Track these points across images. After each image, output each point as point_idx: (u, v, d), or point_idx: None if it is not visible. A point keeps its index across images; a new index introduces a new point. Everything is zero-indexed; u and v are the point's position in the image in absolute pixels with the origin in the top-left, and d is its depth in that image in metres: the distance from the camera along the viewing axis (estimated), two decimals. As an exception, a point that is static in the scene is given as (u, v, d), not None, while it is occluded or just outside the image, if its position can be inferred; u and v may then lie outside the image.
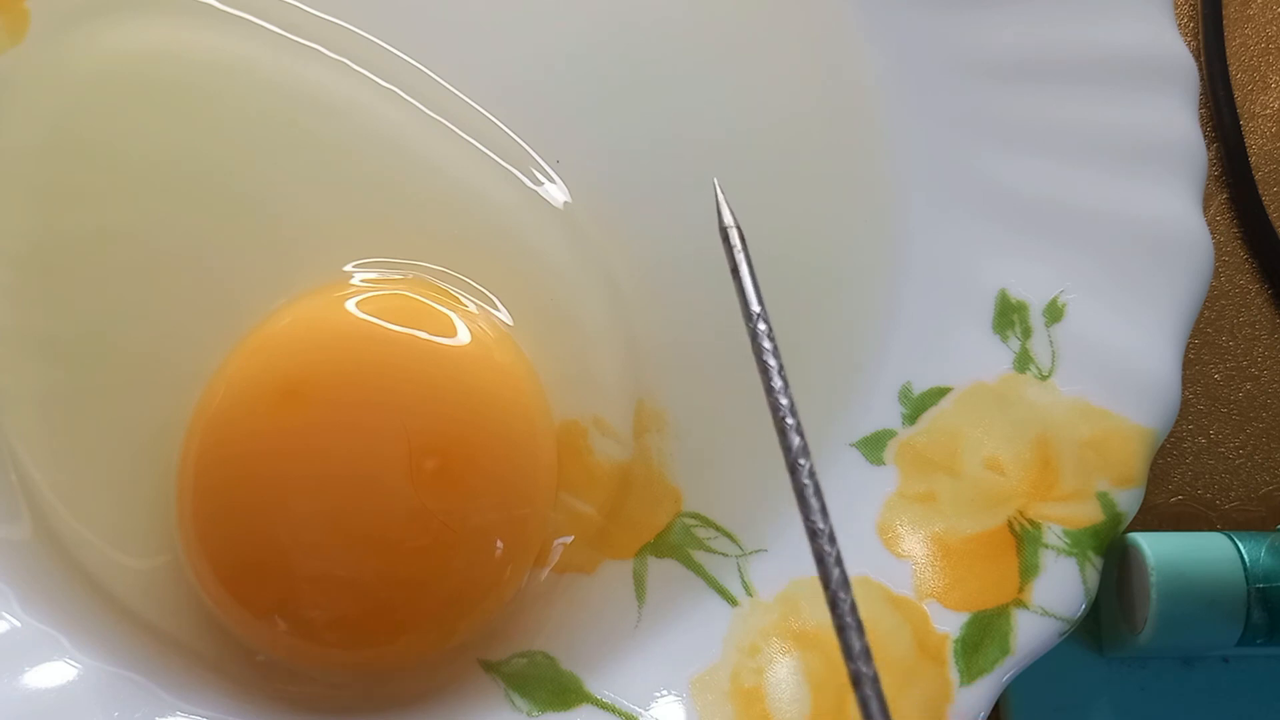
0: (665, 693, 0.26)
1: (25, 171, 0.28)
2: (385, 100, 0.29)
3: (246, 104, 0.29)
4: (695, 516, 0.28)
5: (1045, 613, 0.26)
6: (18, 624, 0.26)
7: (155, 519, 0.27)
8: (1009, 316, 0.29)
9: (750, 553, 0.28)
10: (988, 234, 0.30)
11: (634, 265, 0.29)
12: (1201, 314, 0.30)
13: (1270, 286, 0.32)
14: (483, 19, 0.30)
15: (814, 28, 0.31)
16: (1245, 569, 0.26)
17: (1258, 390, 0.31)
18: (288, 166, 0.29)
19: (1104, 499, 0.27)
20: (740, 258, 0.23)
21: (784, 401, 0.21)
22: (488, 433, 0.26)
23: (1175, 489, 0.31)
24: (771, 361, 0.21)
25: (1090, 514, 0.27)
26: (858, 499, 0.28)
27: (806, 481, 0.20)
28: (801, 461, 0.20)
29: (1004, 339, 0.29)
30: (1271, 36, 0.34)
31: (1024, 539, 0.27)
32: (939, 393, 0.29)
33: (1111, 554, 0.27)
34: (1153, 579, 0.26)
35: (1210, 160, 0.31)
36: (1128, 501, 0.27)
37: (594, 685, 0.26)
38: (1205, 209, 0.30)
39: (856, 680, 0.18)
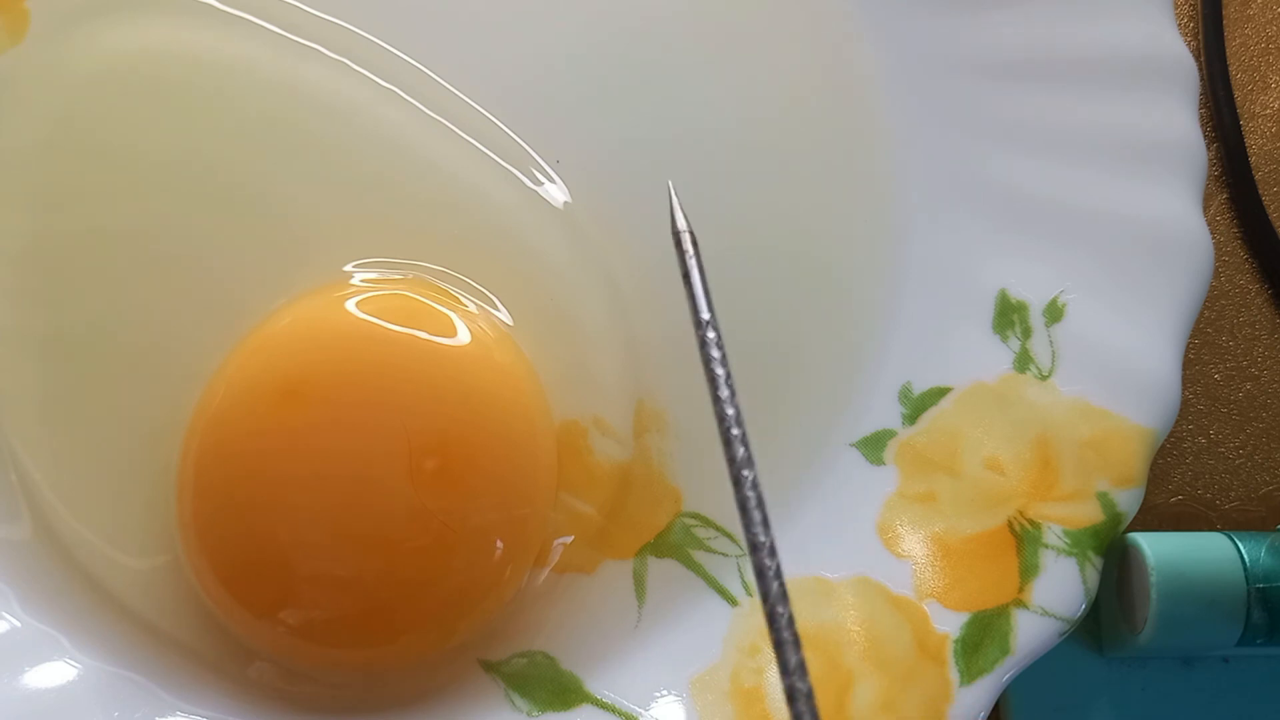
0: (665, 693, 0.26)
1: (25, 171, 0.28)
2: (385, 100, 0.29)
3: (246, 104, 0.29)
4: (695, 516, 0.28)
5: (1045, 613, 0.26)
6: (18, 624, 0.26)
7: (155, 519, 0.27)
8: (1009, 316, 0.29)
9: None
10: (988, 234, 0.30)
11: (634, 265, 0.29)
12: (1201, 314, 0.30)
13: (1270, 286, 0.32)
14: (483, 19, 0.30)
15: (814, 28, 0.31)
16: (1245, 569, 0.26)
17: (1258, 390, 0.31)
18: (288, 166, 0.29)
19: (1104, 499, 0.27)
20: (691, 263, 0.23)
21: (730, 411, 0.21)
22: (488, 433, 0.26)
23: (1175, 489, 0.31)
24: (719, 370, 0.21)
25: (1090, 514, 0.27)
26: (858, 499, 0.28)
27: (749, 494, 0.20)
28: (745, 473, 0.20)
29: (1004, 339, 0.29)
30: (1271, 36, 0.34)
31: (1024, 539, 0.27)
32: (939, 393, 0.29)
33: (1111, 554, 0.27)
34: (1153, 579, 0.26)
35: (1210, 160, 0.31)
36: (1128, 501, 0.27)
37: (594, 685, 0.26)
38: (1205, 209, 0.30)
39: (791, 696, 0.18)
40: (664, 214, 0.29)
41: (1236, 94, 0.33)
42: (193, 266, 0.28)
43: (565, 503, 0.27)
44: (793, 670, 0.19)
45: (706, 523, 0.28)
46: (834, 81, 0.31)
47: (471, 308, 0.28)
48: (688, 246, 0.24)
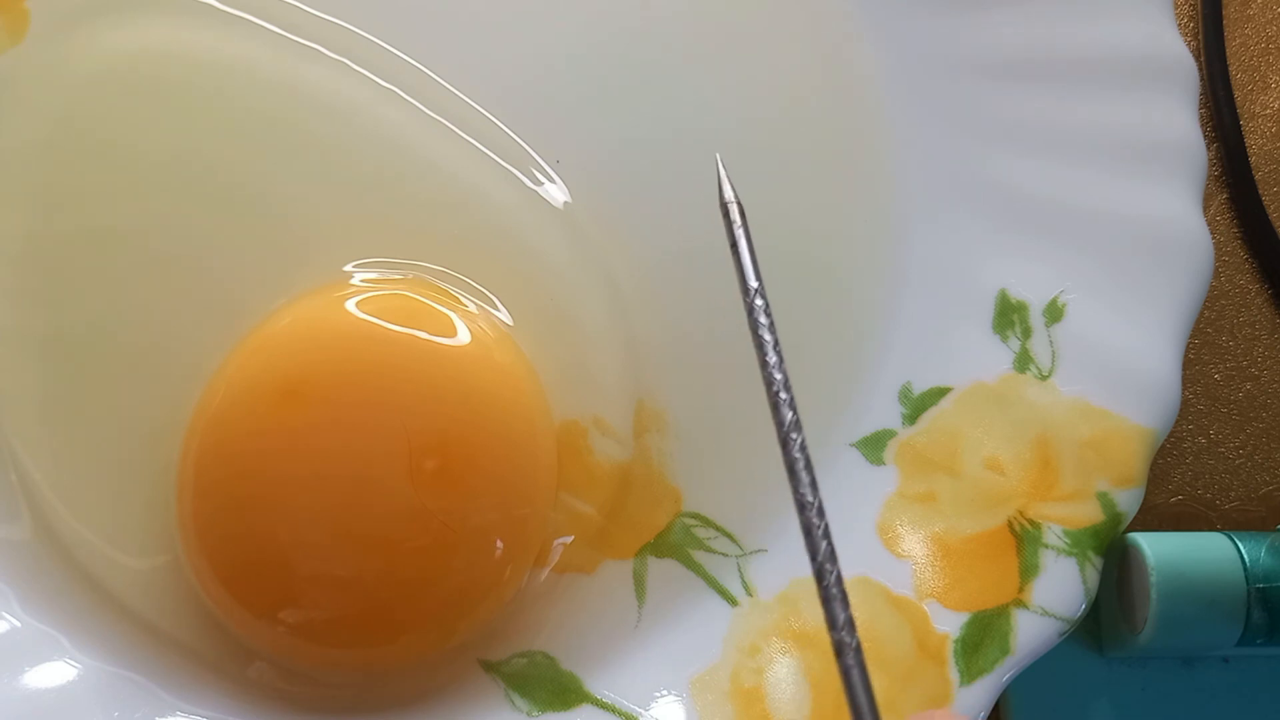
0: (665, 693, 0.26)
1: (25, 171, 0.28)
2: (385, 100, 0.29)
3: (246, 104, 0.29)
4: (695, 516, 0.28)
5: (1045, 613, 0.26)
6: (18, 624, 0.26)
7: (155, 519, 0.27)
8: (1009, 316, 0.29)
9: (750, 553, 0.28)
10: (988, 234, 0.30)
11: (634, 265, 0.29)
12: (1201, 314, 0.30)
13: (1270, 286, 0.32)
14: (483, 19, 0.30)
15: (814, 28, 0.31)
16: (1245, 569, 0.26)
17: (1258, 390, 0.31)
18: (288, 166, 0.29)
19: (1104, 499, 0.27)
20: (740, 233, 0.24)
21: (778, 376, 0.22)
22: (488, 433, 0.26)
23: (1175, 489, 0.31)
24: (767, 336, 0.22)
25: (1090, 514, 0.27)
26: (858, 499, 0.28)
27: (798, 455, 0.21)
28: (793, 435, 0.21)
29: (1004, 339, 0.29)
30: (1271, 36, 0.34)
31: (1024, 539, 0.27)
32: (939, 393, 0.29)
33: (1111, 554, 0.27)
34: (1153, 579, 0.26)
35: (1210, 160, 0.31)
36: (1128, 501, 0.27)
37: (594, 685, 0.26)
38: (1205, 209, 0.30)
39: (839, 650, 0.19)
40: (664, 214, 0.29)
41: (1236, 94, 0.33)
42: (193, 266, 0.28)
43: (565, 503, 0.27)
44: (841, 626, 0.19)
45: (706, 523, 0.28)
46: (834, 81, 0.31)
47: (471, 308, 0.28)
48: (736, 217, 0.24)
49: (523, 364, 0.28)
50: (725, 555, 0.28)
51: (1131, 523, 0.27)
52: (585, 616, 0.27)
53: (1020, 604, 0.26)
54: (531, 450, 0.27)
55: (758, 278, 0.23)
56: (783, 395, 0.21)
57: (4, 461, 0.27)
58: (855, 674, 0.19)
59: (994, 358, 0.29)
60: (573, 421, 0.28)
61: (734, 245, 0.24)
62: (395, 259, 0.28)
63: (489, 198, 0.29)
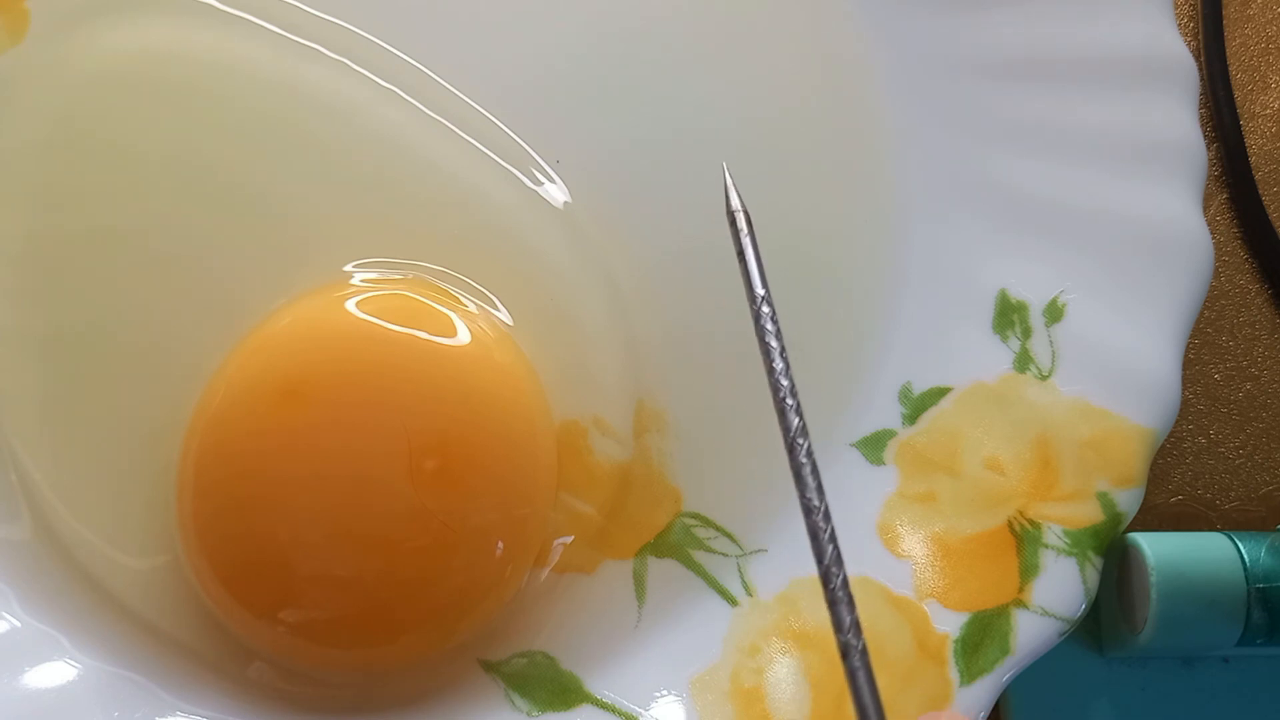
0: (665, 693, 0.26)
1: (25, 171, 0.28)
2: (385, 100, 0.29)
3: (247, 104, 0.29)
4: (695, 516, 0.28)
5: (1045, 613, 0.26)
6: (18, 624, 0.26)
7: (155, 519, 0.27)
8: (1009, 316, 0.29)
9: (750, 553, 0.28)
10: (988, 234, 0.30)
11: (634, 265, 0.29)
12: (1201, 314, 0.30)
13: (1270, 286, 0.32)
14: (482, 19, 0.30)
15: (814, 28, 0.31)
16: (1245, 569, 0.26)
17: (1258, 390, 0.31)
18: (288, 166, 0.29)
19: (1104, 499, 0.27)
20: (746, 241, 0.24)
21: (784, 383, 0.22)
22: (488, 433, 0.26)
23: (1175, 489, 0.31)
24: (774, 343, 0.22)
25: (1090, 514, 0.27)
26: (858, 499, 0.28)
27: (804, 460, 0.21)
28: (800, 440, 0.21)
29: (1004, 339, 0.29)
30: (1271, 36, 0.34)
31: (1024, 539, 0.27)
32: (939, 393, 0.29)
33: (1111, 554, 0.27)
34: (1153, 579, 0.26)
35: (1210, 160, 0.31)
36: (1128, 501, 0.27)
37: (594, 685, 0.26)
38: (1205, 209, 0.30)
39: (845, 652, 0.19)
40: (664, 214, 0.29)
41: (1236, 94, 0.33)
42: (193, 266, 0.28)
43: (565, 503, 0.27)
44: (847, 629, 0.20)
45: (706, 523, 0.28)
46: (834, 82, 0.31)
47: (471, 308, 0.28)
48: (742, 225, 0.24)
49: (523, 364, 0.28)
50: (725, 555, 0.28)
51: (1131, 523, 0.27)
52: (585, 616, 0.27)
53: (1020, 604, 0.26)
54: (531, 450, 0.27)
55: (764, 285, 0.23)
56: (789, 401, 0.22)
57: (4, 461, 0.27)
58: (861, 676, 0.19)
59: (994, 358, 0.29)
60: (573, 421, 0.28)
61: (740, 253, 0.24)
62: (395, 259, 0.28)
63: (489, 198, 0.29)
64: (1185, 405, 0.31)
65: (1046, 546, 0.27)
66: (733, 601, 0.27)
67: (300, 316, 0.27)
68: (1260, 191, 0.33)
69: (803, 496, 0.21)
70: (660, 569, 0.27)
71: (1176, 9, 0.31)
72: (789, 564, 0.27)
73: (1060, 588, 0.26)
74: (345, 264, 0.28)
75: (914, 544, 0.27)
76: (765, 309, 0.23)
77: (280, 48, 0.29)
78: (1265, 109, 0.34)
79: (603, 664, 0.27)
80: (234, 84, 0.29)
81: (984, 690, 0.25)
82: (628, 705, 0.26)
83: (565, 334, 0.28)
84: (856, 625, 0.20)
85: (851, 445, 0.28)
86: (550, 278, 0.29)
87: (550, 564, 0.27)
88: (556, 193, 0.29)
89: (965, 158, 0.30)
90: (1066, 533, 0.27)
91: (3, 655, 0.25)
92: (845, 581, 0.20)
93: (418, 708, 0.26)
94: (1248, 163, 0.33)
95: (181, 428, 0.26)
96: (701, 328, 0.29)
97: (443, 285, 0.28)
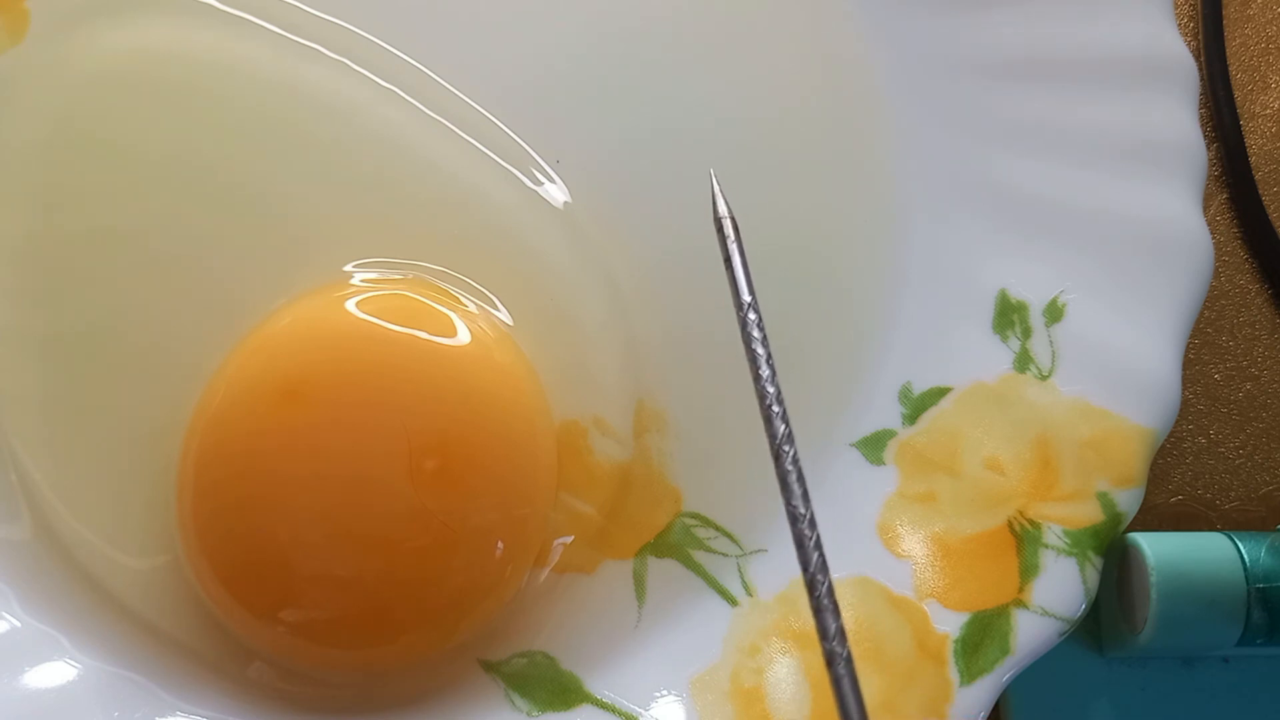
0: (665, 693, 0.26)
1: (25, 171, 0.28)
2: (385, 100, 0.29)
3: (247, 104, 0.29)
4: (695, 516, 0.28)
5: (1045, 613, 0.26)
6: (18, 624, 0.26)
7: (155, 519, 0.27)
8: (1009, 316, 0.29)
9: (750, 553, 0.28)
10: (988, 234, 0.30)
11: (634, 265, 0.29)
12: (1201, 314, 0.30)
13: (1270, 286, 0.32)
14: (482, 19, 0.30)
15: (814, 28, 0.31)
16: (1245, 569, 0.26)
17: (1258, 390, 0.31)
18: (288, 166, 0.29)
19: (1104, 499, 0.27)
20: (733, 248, 0.24)
21: (770, 390, 0.22)
22: (488, 433, 0.26)
23: (1175, 489, 0.31)
24: (760, 350, 0.22)
25: (1090, 514, 0.27)
26: (858, 499, 0.28)
27: (790, 468, 0.21)
28: (785, 448, 0.21)
29: (1004, 339, 0.29)
30: (1271, 36, 0.34)
31: (1024, 539, 0.27)
32: (939, 393, 0.29)
33: (1111, 554, 0.27)
34: (1153, 579, 0.26)
35: (1210, 160, 0.31)
36: (1128, 501, 0.27)
37: (594, 685, 0.26)
38: (1205, 209, 0.30)
39: (831, 660, 0.19)
40: (664, 214, 0.29)
41: (1236, 94, 0.33)
42: (193, 266, 0.28)
43: (565, 503, 0.27)
44: (832, 636, 0.20)
45: (706, 523, 0.28)
46: (834, 82, 0.31)
47: (471, 308, 0.28)
48: (729, 232, 0.24)
49: (523, 364, 0.28)
50: (725, 555, 0.28)
51: (1131, 523, 0.27)
52: (585, 616, 0.27)
53: (1020, 604, 0.26)
54: (531, 450, 0.27)
55: (751, 292, 0.23)
56: (775, 409, 0.22)
57: (4, 461, 0.27)
58: (846, 684, 0.19)
59: (994, 358, 0.29)
60: (573, 421, 0.28)
61: (727, 260, 0.24)
62: (395, 259, 0.28)
63: (489, 198, 0.29)
64: (1185, 405, 0.31)
65: (1046, 546, 0.27)
66: (733, 601, 0.27)
67: (300, 316, 0.27)
68: (1260, 191, 0.33)
69: (788, 504, 0.21)
70: (660, 569, 0.27)
71: (1176, 9, 0.31)
72: (789, 564, 0.27)
73: (1060, 588, 0.26)
74: (345, 264, 0.28)
75: (914, 544, 0.27)
76: (752, 315, 0.23)
77: (280, 48, 0.29)
78: (1265, 109, 0.34)
79: (603, 664, 0.27)
80: (234, 84, 0.29)
81: (984, 690, 0.25)
82: (628, 705, 0.26)
83: (565, 334, 0.28)
84: (842, 633, 0.20)
85: (851, 445, 0.28)
86: (550, 278, 0.29)
87: (550, 564, 0.27)
88: (556, 193, 0.29)
89: (965, 158, 0.30)
90: (1066, 533, 0.27)
91: (3, 655, 0.25)
92: (830, 589, 0.20)
93: (418, 708, 0.26)
94: (1248, 163, 0.33)
95: (181, 428, 0.26)
96: (701, 328, 0.29)
97: (443, 285, 0.28)
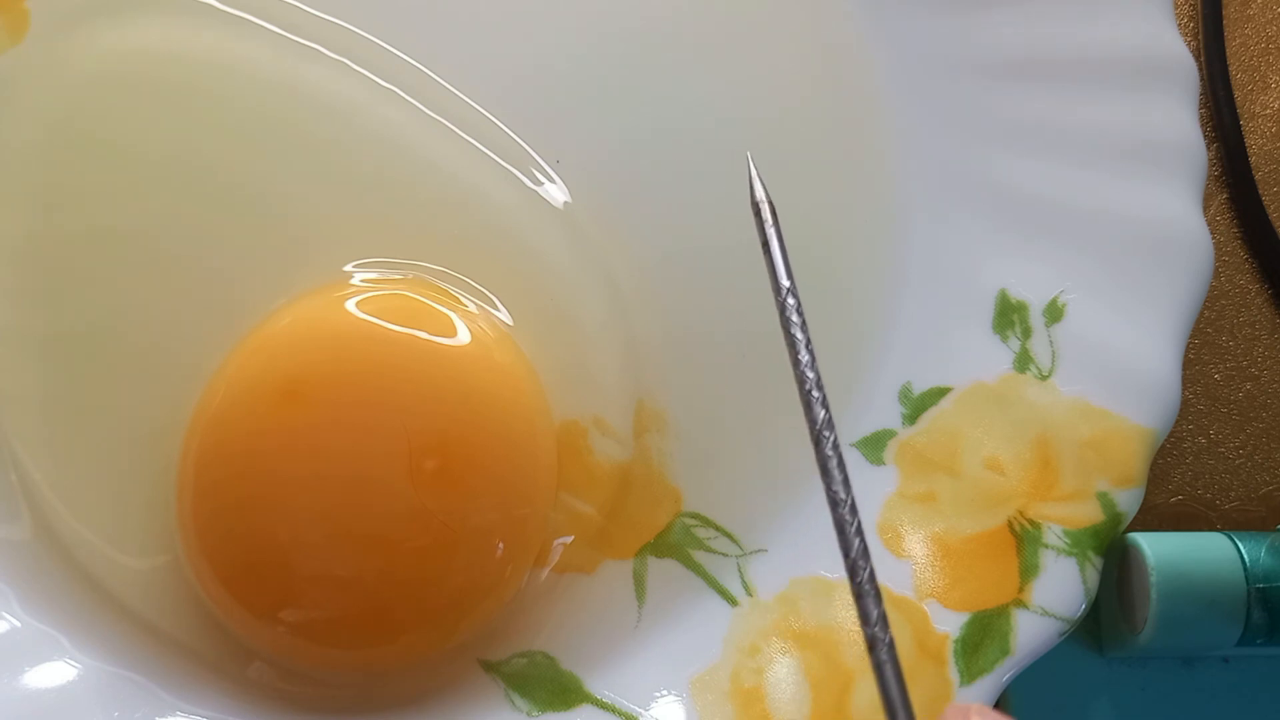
0: (665, 693, 0.26)
1: (25, 171, 0.28)
2: (385, 100, 0.29)
3: (246, 104, 0.29)
4: (695, 516, 0.28)
5: (1045, 613, 0.26)
6: (18, 624, 0.26)
7: (155, 519, 0.27)
8: (1009, 316, 0.29)
9: (750, 553, 0.28)
10: (988, 234, 0.30)
11: (634, 265, 0.29)
12: (1201, 314, 0.30)
13: (1270, 286, 0.32)
14: (482, 19, 0.30)
15: (814, 29, 0.31)
16: (1245, 569, 0.26)
17: (1258, 390, 0.31)
18: (288, 166, 0.29)
19: (1104, 499, 0.27)
20: (771, 233, 0.24)
21: (810, 375, 0.22)
22: (488, 433, 0.26)
23: (1175, 489, 0.31)
24: (799, 335, 0.22)
25: (1090, 514, 0.27)
26: (858, 499, 0.28)
27: (830, 454, 0.21)
28: (826, 434, 0.21)
29: (1004, 339, 0.29)
30: (1271, 36, 0.34)
31: (1024, 539, 0.27)
32: (939, 393, 0.29)
33: (1111, 554, 0.27)
34: (1153, 579, 0.26)
35: (1210, 160, 0.31)
36: (1128, 501, 0.27)
37: (594, 685, 0.26)
38: (1205, 209, 0.30)
39: (873, 645, 0.19)
40: (664, 214, 0.29)
41: (1236, 94, 0.33)
42: (193, 266, 0.28)
43: (565, 503, 0.27)
44: (874, 621, 0.20)
45: (706, 523, 0.28)
46: (834, 82, 0.31)
47: (471, 308, 0.28)
48: (767, 216, 0.24)
49: (523, 364, 0.28)
50: (725, 555, 0.28)
51: (1131, 523, 0.27)
52: (585, 616, 0.27)
53: (1020, 604, 0.26)
54: (531, 450, 0.27)
55: (790, 277, 0.23)
56: (815, 394, 0.22)
57: (4, 461, 0.27)
58: (889, 669, 0.19)
59: (994, 358, 0.29)
60: (573, 421, 0.28)
61: (765, 244, 0.24)
62: (395, 259, 0.28)
63: (489, 198, 0.29)
64: (1185, 405, 0.31)
65: (1046, 546, 0.27)
66: (733, 601, 0.27)
67: (300, 316, 0.27)
68: (1260, 191, 0.33)
69: (829, 489, 0.21)
70: (660, 569, 0.27)
71: (1176, 9, 0.31)
72: (789, 564, 0.27)
73: (1060, 588, 0.26)
74: (345, 264, 0.28)
75: (914, 544, 0.27)
76: (791, 300, 0.23)
77: (280, 48, 0.29)
78: (1265, 109, 0.34)
79: (603, 664, 0.27)
80: (234, 84, 0.29)
81: (984, 690, 0.25)
82: (628, 705, 0.26)
83: (565, 334, 0.28)
84: (884, 618, 0.20)
85: (851, 445, 0.28)
86: (550, 278, 0.29)
87: (550, 564, 0.27)
88: (556, 193, 0.29)
89: (965, 158, 0.30)
90: (1066, 533, 0.27)
91: (3, 655, 0.25)
92: (872, 575, 0.20)
93: (418, 708, 0.26)
94: (1248, 163, 0.33)
95: (181, 428, 0.26)
96: (702, 328, 0.29)
97: (443, 285, 0.28)
